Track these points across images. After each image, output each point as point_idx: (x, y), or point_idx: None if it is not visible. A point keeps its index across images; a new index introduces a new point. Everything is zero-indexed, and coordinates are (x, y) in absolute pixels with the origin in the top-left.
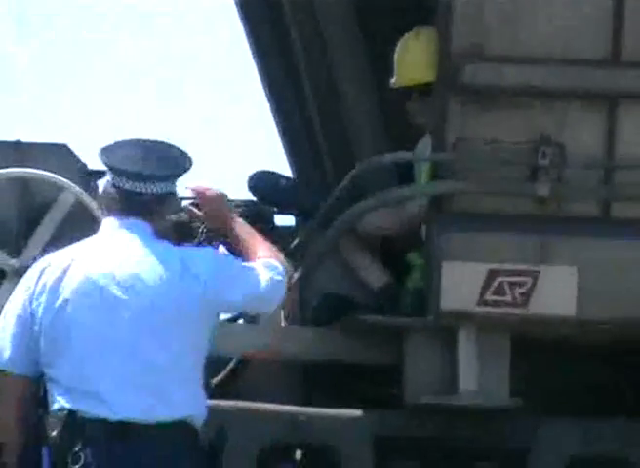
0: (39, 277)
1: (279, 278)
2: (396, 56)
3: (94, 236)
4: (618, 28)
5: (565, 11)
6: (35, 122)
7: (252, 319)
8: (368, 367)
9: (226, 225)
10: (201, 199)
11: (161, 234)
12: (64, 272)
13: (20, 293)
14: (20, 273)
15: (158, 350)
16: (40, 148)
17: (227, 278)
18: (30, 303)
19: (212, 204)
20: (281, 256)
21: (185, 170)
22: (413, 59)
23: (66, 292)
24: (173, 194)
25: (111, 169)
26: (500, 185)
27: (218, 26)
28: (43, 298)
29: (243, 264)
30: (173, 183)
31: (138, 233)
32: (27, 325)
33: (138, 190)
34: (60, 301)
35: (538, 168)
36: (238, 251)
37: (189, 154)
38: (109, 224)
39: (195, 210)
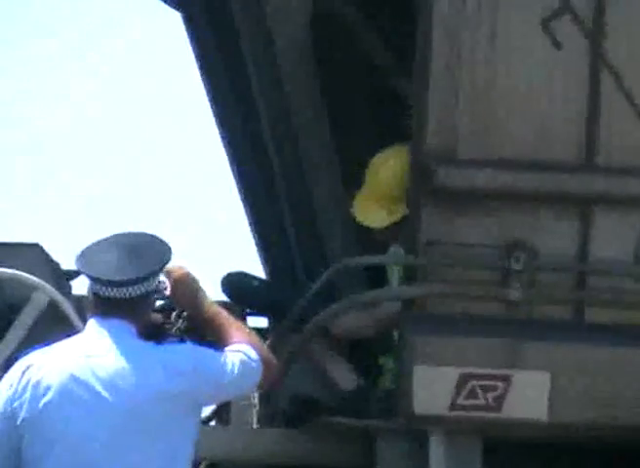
0: (22, 376)
1: (253, 365)
2: (367, 185)
3: (76, 336)
4: (592, 132)
5: (538, 114)
6: (7, 221)
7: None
8: None
9: (196, 306)
10: (169, 279)
11: (142, 332)
12: (46, 372)
13: (2, 392)
14: None
15: (136, 455)
16: (12, 248)
17: (207, 372)
18: (12, 402)
19: (178, 284)
20: (254, 337)
21: (163, 266)
22: (383, 202)
23: (49, 392)
24: (151, 293)
25: (86, 276)
26: (471, 289)
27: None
28: (26, 397)
29: (217, 354)
30: (149, 282)
31: (119, 333)
32: (9, 423)
33: (113, 295)
34: (43, 401)
35: (510, 272)
36: (210, 332)
37: (168, 244)
38: (92, 325)
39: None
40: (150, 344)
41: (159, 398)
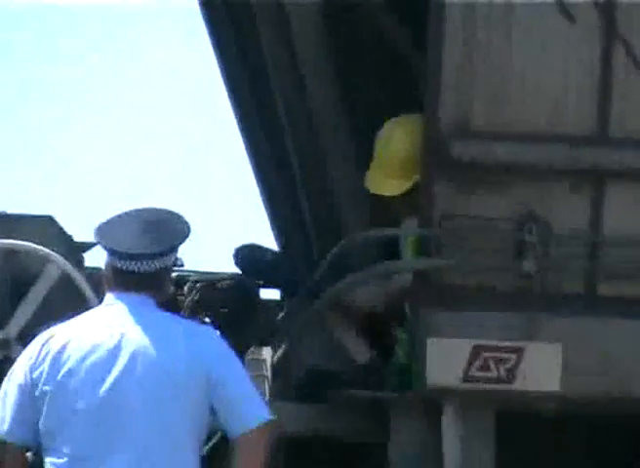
0: (42, 347)
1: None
2: (379, 156)
3: (95, 309)
4: (605, 105)
5: (552, 88)
6: (21, 193)
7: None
8: (352, 443)
9: None
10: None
11: (162, 305)
12: (67, 342)
13: (22, 363)
14: (3, 346)
15: (161, 423)
16: (25, 220)
17: (230, 369)
18: (32, 372)
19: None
20: None
21: (182, 241)
22: (394, 169)
23: (70, 362)
24: (170, 267)
25: (104, 248)
26: (485, 262)
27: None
28: (45, 368)
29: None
30: (169, 256)
31: (140, 306)
32: (28, 394)
33: (131, 269)
34: (63, 372)
35: (524, 244)
36: None
37: (187, 220)
38: (110, 299)
39: None
40: (173, 316)
41: (185, 367)
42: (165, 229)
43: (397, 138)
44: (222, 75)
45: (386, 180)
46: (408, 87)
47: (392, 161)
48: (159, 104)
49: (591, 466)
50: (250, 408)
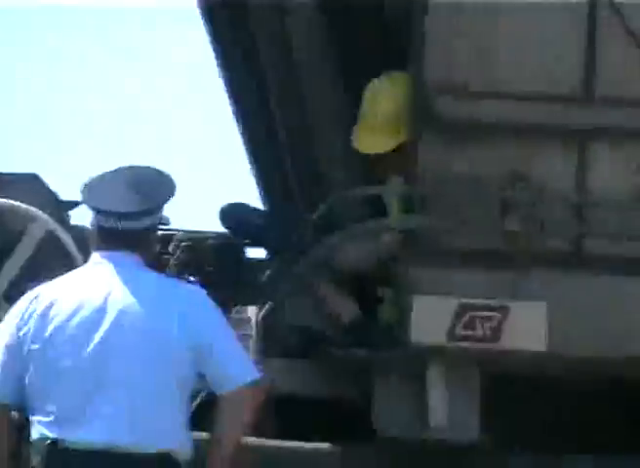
0: (29, 305)
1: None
2: (366, 115)
3: (82, 268)
4: (590, 65)
5: (537, 46)
6: (5, 151)
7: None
8: (337, 400)
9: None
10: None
11: (149, 264)
12: (54, 301)
13: (9, 322)
14: None
15: (148, 380)
16: (10, 178)
17: (217, 329)
18: (19, 330)
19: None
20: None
21: (167, 199)
22: (383, 125)
23: (57, 320)
24: (156, 226)
25: (90, 207)
26: (471, 220)
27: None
28: (32, 326)
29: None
30: (155, 215)
31: (125, 264)
32: (15, 353)
33: (116, 227)
34: (50, 329)
35: (509, 203)
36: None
37: (173, 178)
38: (97, 258)
39: None
40: (159, 275)
41: (171, 327)
42: (151, 187)
43: (383, 96)
44: (215, 54)
45: (373, 139)
46: (396, 41)
47: (379, 119)
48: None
49: (578, 426)
50: (237, 368)
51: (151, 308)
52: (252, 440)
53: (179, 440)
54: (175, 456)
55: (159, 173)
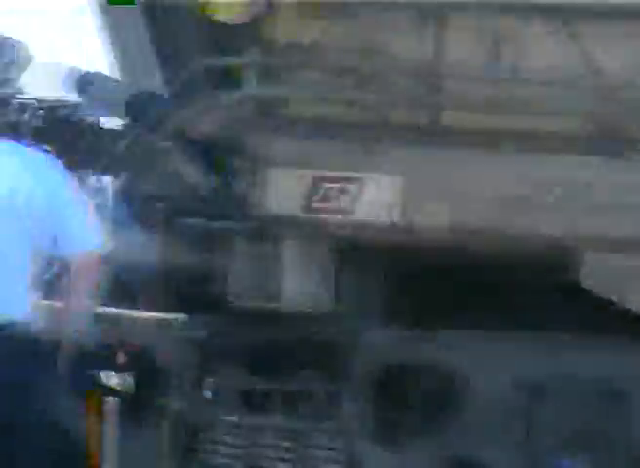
0: None
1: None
2: None
3: None
4: None
5: None
6: None
7: None
8: (192, 271)
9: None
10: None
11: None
12: None
13: None
14: None
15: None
16: None
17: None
18: None
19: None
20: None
21: (22, 68)
22: None
23: None
24: (10, 95)
25: None
26: (326, 91)
27: None
28: None
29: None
30: (8, 83)
31: None
32: None
33: None
34: None
35: (363, 74)
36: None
37: (27, 46)
38: None
39: None
40: (13, 145)
41: (22, 195)
42: (4, 54)
43: None
44: None
45: (227, 4)
46: None
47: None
48: None
49: (427, 295)
50: (80, 233)
51: (3, 178)
52: (107, 310)
53: (25, 309)
54: (21, 326)
55: (12, 40)
